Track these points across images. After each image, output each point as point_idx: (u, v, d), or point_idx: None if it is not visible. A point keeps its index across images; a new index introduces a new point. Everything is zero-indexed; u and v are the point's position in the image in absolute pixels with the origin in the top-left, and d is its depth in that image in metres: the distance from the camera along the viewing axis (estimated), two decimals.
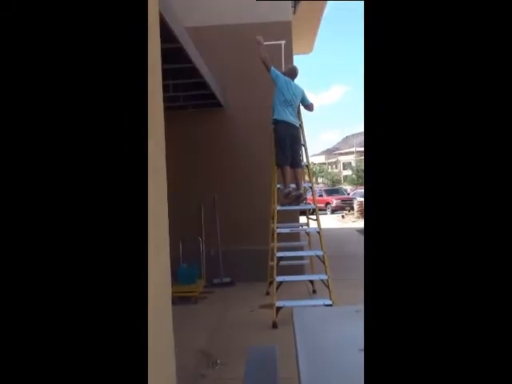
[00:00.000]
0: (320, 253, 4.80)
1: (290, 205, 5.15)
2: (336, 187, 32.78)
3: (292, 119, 5.14)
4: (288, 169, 5.10)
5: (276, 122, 5.14)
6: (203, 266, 6.24)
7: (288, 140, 5.08)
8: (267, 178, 5.75)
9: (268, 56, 5.16)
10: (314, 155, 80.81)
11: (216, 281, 6.31)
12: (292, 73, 5.40)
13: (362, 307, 2.69)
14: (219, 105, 6.42)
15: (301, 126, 5.46)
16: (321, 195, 22.94)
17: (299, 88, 5.33)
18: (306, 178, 5.74)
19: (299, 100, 5.30)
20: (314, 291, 5.60)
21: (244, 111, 6.56)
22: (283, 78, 5.17)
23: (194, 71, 4.86)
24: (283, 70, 5.72)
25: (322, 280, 4.74)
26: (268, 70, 5.16)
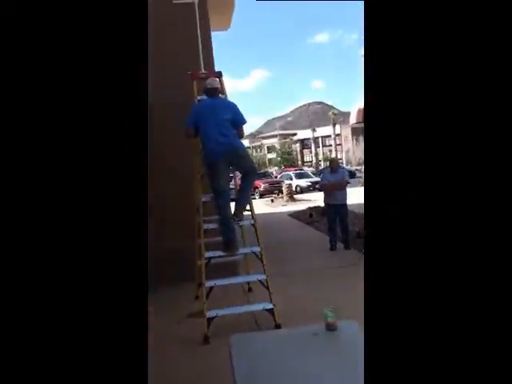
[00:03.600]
0: (256, 249, 4.08)
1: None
2: (263, 171, 32.51)
3: (227, 140, 4.02)
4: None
5: (204, 152, 4.13)
6: None
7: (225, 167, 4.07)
8: (188, 166, 4.93)
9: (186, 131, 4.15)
10: None
11: None
12: (209, 90, 4.30)
13: (320, 329, 1.97)
14: None
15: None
16: None
17: (226, 104, 4.30)
18: None
19: (230, 116, 4.13)
20: (250, 289, 4.96)
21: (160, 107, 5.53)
22: (196, 111, 4.18)
23: None
24: (199, 40, 4.86)
25: (259, 280, 4.03)
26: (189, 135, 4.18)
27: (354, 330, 1.93)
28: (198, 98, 4.56)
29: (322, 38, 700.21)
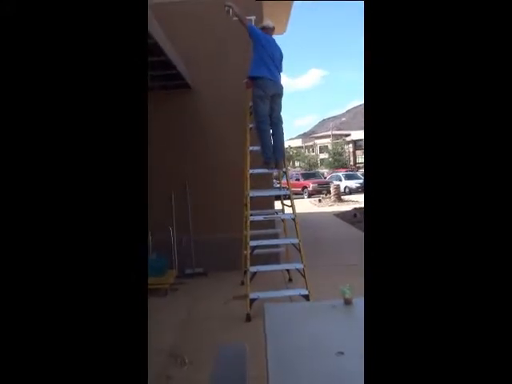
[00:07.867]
0: (295, 241, 4.56)
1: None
2: (313, 171, 32.70)
3: (277, 76, 4.70)
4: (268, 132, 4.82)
5: (256, 79, 4.66)
6: (174, 255, 5.95)
7: (269, 100, 4.70)
8: (240, 162, 5.41)
9: (241, 12, 4.71)
10: (291, 139, 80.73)
11: (188, 271, 6.04)
12: (269, 29, 4.91)
13: (338, 302, 2.45)
14: (187, 86, 6.06)
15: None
16: (298, 179, 22.73)
17: (280, 51, 4.90)
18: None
19: (280, 60, 4.86)
20: (290, 279, 5.42)
21: (215, 92, 6.21)
22: (263, 35, 4.74)
23: (156, 49, 4.49)
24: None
25: (297, 269, 4.51)
26: (245, 26, 4.70)
27: None
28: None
29: None
